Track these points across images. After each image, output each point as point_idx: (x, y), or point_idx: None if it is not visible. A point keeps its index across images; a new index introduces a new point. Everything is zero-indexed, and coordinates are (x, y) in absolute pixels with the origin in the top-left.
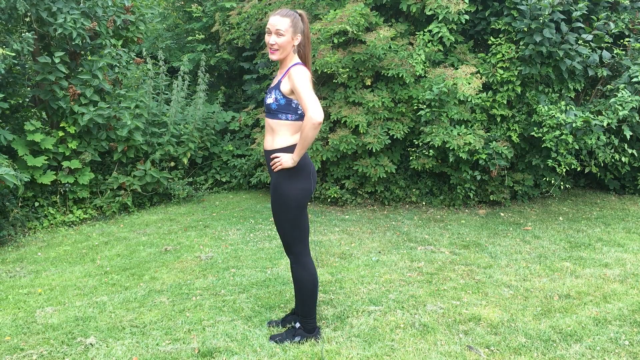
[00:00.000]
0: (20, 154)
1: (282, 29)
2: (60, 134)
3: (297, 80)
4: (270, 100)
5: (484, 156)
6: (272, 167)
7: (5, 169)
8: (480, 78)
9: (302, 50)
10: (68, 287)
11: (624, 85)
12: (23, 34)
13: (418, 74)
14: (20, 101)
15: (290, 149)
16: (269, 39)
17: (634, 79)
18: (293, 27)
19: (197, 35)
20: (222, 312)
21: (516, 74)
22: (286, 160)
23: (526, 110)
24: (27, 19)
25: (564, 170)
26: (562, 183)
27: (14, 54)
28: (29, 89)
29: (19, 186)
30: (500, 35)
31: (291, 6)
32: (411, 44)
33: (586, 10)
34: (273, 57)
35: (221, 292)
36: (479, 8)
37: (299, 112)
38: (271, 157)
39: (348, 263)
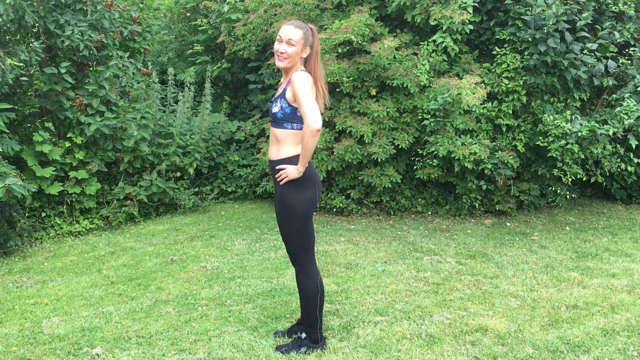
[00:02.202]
0: (30, 164)
1: (294, 40)
2: (67, 144)
3: (297, 85)
4: (275, 109)
5: (489, 166)
6: (278, 180)
7: (12, 179)
8: (485, 88)
9: (310, 65)
10: (74, 297)
11: (629, 94)
12: (31, 44)
13: (423, 84)
14: (28, 112)
15: (295, 159)
16: (279, 46)
17: None
18: (304, 39)
19: (195, 48)
20: (228, 323)
21: (521, 83)
22: (292, 172)
23: (532, 120)
24: (35, 30)
25: (570, 179)
26: (568, 193)
27: (21, 64)
28: (36, 99)
29: (26, 196)
30: (505, 45)
31: (296, 17)
32: (415, 54)
33: (591, 20)
34: (280, 64)
35: (227, 303)
36: (484, 18)
37: None
38: (277, 168)
39: (354, 273)
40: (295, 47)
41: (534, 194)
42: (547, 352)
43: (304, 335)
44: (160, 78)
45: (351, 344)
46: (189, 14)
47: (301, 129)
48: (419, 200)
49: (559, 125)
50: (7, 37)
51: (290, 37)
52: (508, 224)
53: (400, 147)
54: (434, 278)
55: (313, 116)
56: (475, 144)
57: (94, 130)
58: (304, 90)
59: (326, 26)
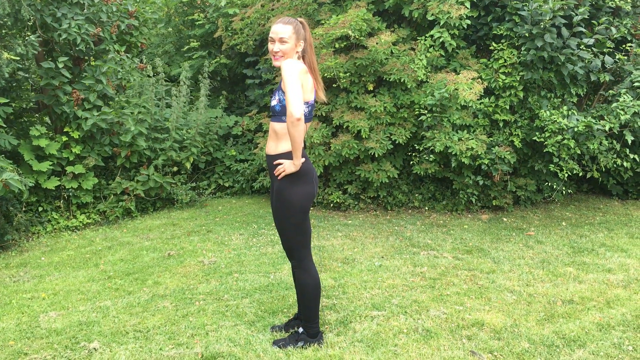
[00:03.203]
0: (27, 158)
1: (285, 37)
2: (64, 139)
3: (285, 70)
4: (274, 102)
5: (486, 161)
6: (276, 175)
7: (9, 173)
8: (482, 83)
9: (307, 58)
10: (71, 292)
11: (625, 90)
12: (27, 38)
13: (420, 79)
14: (24, 106)
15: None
16: (273, 46)
17: (636, 84)
18: (295, 34)
19: (192, 43)
20: (225, 317)
21: (518, 79)
22: (289, 166)
23: (528, 115)
24: (31, 24)
25: (566, 175)
26: (564, 188)
27: (18, 58)
28: (32, 93)
29: (23, 191)
30: (502, 41)
31: (294, 12)
32: (413, 49)
33: (587, 15)
34: (277, 63)
35: (224, 297)
36: (481, 14)
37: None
38: (274, 163)
39: (351, 268)
40: (289, 43)
41: (530, 190)
42: (542, 346)
43: (301, 329)
44: (155, 72)
45: (348, 339)
46: (186, 8)
47: None
48: (416, 195)
49: (556, 120)
50: (4, 31)
51: (281, 34)
52: (505, 219)
53: (397, 142)
54: (430, 273)
55: (293, 104)
56: (472, 139)
57: (91, 125)
58: (290, 78)
59: (323, 21)
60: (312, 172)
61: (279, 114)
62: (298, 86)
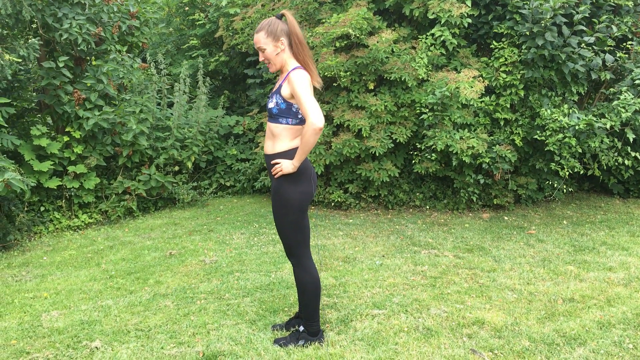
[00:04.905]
0: (27, 158)
1: (261, 44)
2: (66, 138)
3: (296, 84)
4: (271, 104)
5: (487, 160)
6: (273, 174)
7: (11, 173)
8: (483, 82)
9: (298, 54)
10: (73, 291)
11: (626, 88)
12: (29, 40)
13: (421, 77)
14: (26, 106)
15: (290, 154)
16: (261, 56)
17: (637, 82)
18: (269, 35)
19: (191, 42)
20: (226, 316)
21: (519, 77)
22: (287, 167)
23: (529, 114)
24: (34, 25)
25: (567, 173)
26: (565, 186)
27: (20, 60)
28: (34, 93)
29: (25, 191)
30: (503, 39)
31: (294, 11)
32: (414, 47)
33: (588, 14)
34: (271, 69)
35: (225, 296)
36: (482, 12)
37: (299, 116)
38: (272, 162)
39: (352, 267)
40: (267, 49)
41: (531, 188)
42: (543, 344)
43: (302, 328)
44: (158, 70)
45: (349, 337)
46: (187, 8)
47: (296, 124)
48: (417, 194)
49: (557, 119)
50: (5, 32)
51: (258, 44)
52: (506, 217)
53: (398, 141)
54: (431, 272)
55: (315, 115)
56: (473, 138)
57: (93, 125)
58: (303, 90)
59: (324, 20)
60: (310, 171)
61: (276, 116)
62: (312, 96)
